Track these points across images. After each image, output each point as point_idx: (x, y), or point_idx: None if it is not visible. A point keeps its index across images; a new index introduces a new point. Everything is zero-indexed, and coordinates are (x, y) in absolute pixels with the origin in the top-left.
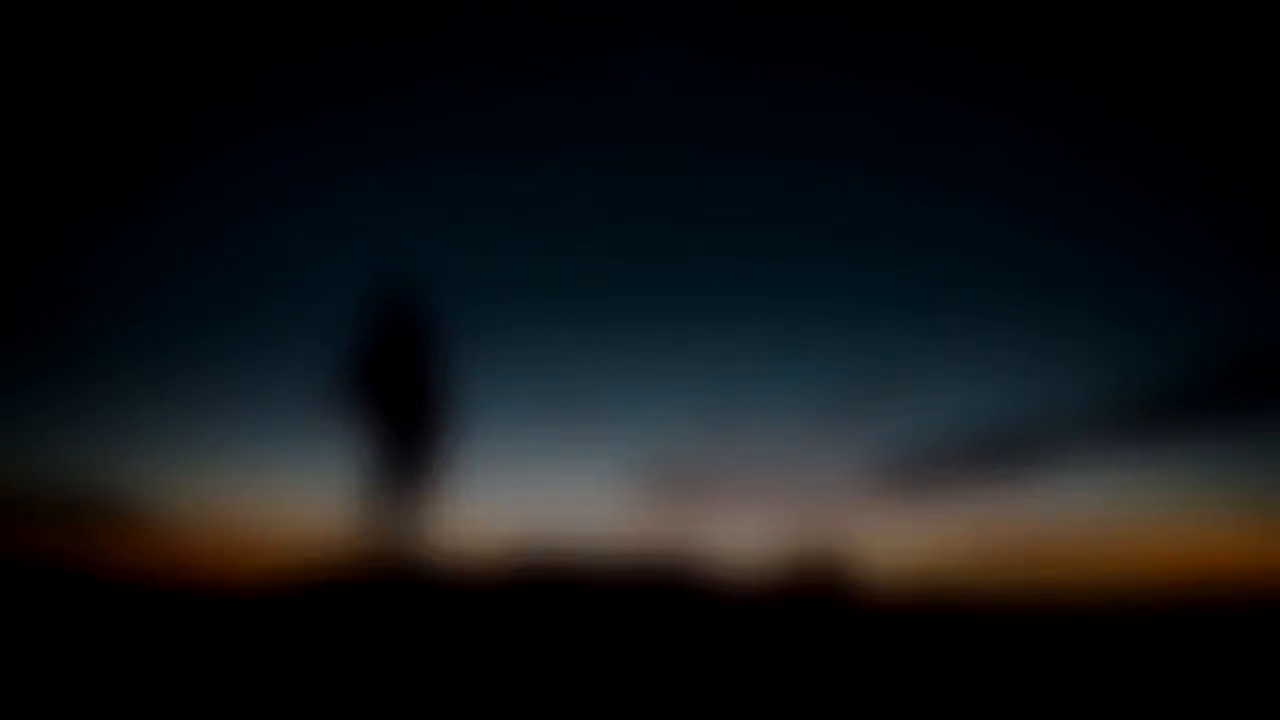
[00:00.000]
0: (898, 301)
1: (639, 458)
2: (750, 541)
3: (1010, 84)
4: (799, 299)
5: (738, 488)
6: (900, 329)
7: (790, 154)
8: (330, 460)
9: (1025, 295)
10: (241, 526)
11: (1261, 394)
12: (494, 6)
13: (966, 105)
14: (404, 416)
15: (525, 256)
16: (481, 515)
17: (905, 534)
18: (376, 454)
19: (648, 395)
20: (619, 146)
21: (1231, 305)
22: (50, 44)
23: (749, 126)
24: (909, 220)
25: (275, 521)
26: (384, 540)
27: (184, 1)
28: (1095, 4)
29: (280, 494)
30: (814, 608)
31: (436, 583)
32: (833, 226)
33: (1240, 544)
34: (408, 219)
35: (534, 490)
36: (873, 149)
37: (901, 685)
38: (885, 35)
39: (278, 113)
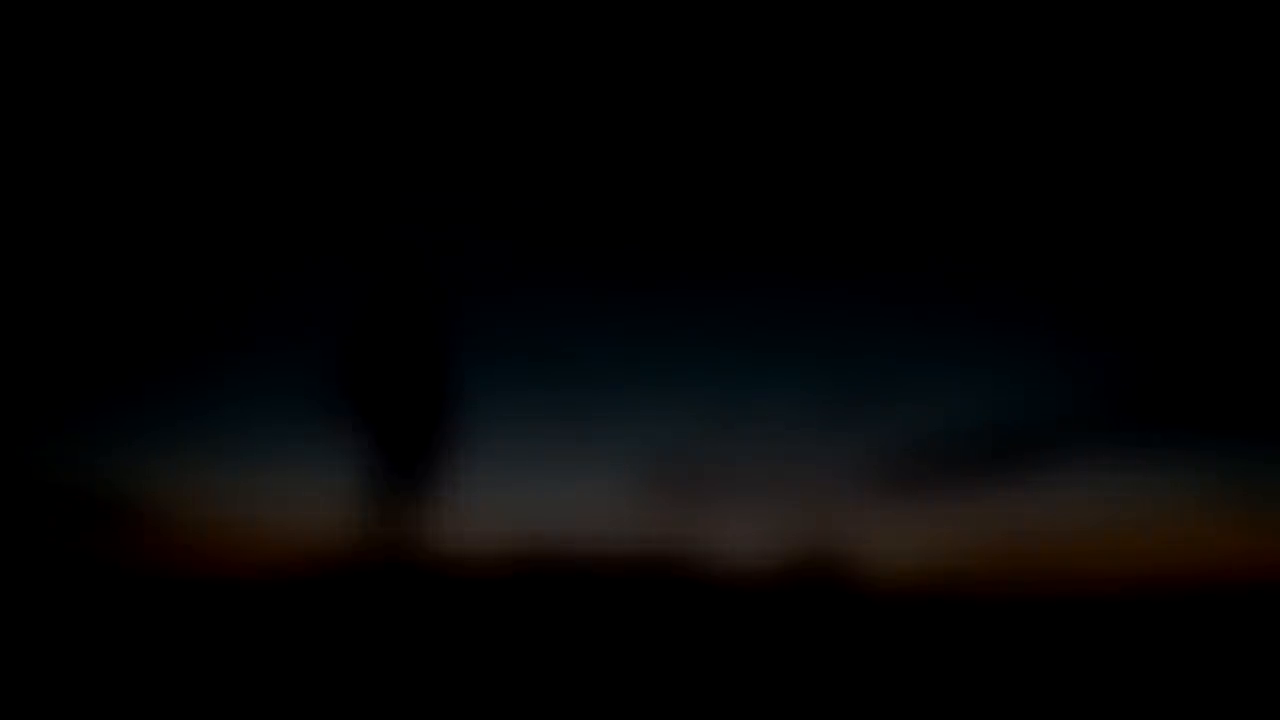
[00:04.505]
0: (898, 301)
1: (641, 455)
2: (751, 540)
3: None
4: (799, 298)
5: (739, 486)
6: (901, 328)
7: (791, 153)
8: (331, 457)
9: (1026, 294)
10: (242, 523)
11: (1261, 392)
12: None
13: (963, 105)
14: (405, 413)
15: (526, 252)
16: (482, 512)
17: (905, 533)
18: (377, 450)
19: (649, 393)
20: (620, 145)
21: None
22: (52, 44)
23: (748, 126)
24: (909, 219)
25: (275, 519)
26: (385, 537)
27: (185, 5)
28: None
29: (280, 491)
30: (815, 606)
31: (437, 579)
32: (833, 225)
33: (1241, 544)
34: (411, 215)
35: (535, 487)
36: (874, 146)
37: (902, 682)
38: (881, 40)
39: (278, 112)
